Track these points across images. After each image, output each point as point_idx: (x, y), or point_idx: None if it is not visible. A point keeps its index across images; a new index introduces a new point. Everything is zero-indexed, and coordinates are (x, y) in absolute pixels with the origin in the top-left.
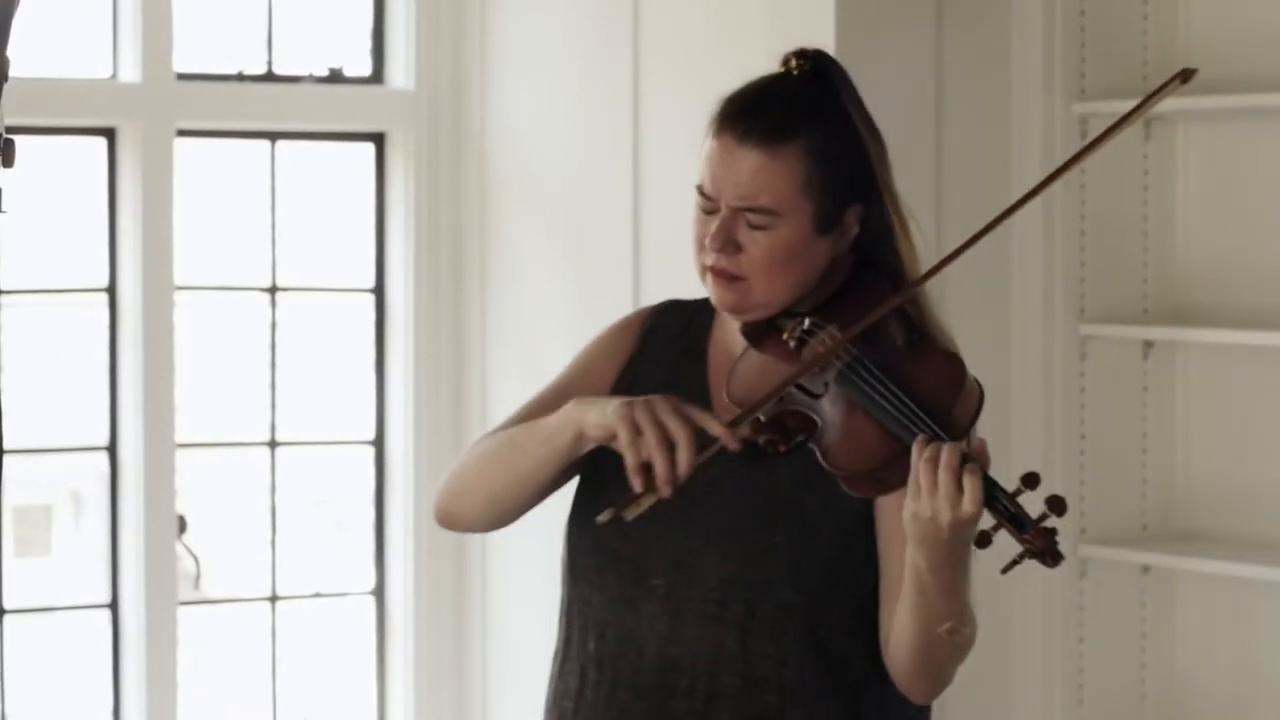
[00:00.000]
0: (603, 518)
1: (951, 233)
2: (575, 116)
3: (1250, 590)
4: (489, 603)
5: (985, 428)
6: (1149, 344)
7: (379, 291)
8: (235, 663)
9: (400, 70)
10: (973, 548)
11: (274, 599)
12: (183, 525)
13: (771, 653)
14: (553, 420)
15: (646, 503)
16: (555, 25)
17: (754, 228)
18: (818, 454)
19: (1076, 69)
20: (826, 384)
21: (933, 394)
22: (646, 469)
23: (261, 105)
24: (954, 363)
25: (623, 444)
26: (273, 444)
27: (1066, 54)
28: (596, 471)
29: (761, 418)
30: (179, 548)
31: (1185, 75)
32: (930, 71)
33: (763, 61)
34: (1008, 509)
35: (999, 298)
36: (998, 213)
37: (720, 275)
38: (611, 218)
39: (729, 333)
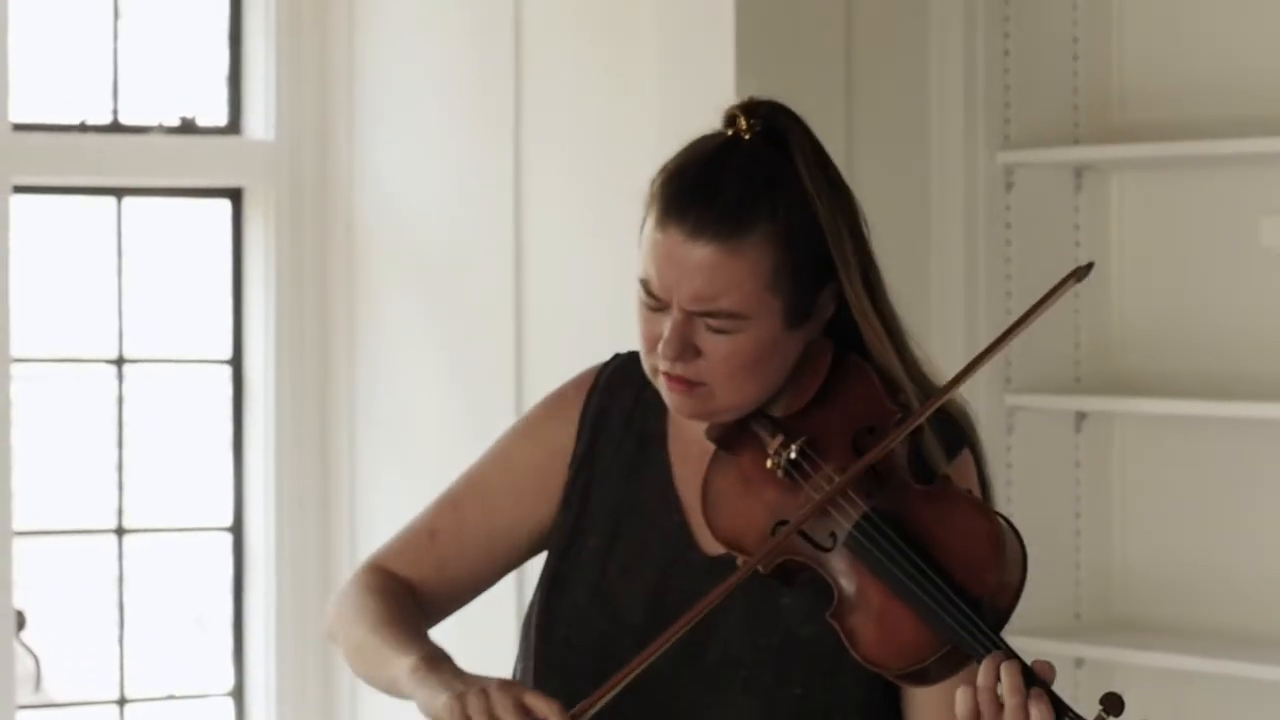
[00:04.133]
0: None
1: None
2: (452, 169)
3: (1193, 684)
4: (358, 708)
5: None
6: (1082, 415)
7: (236, 363)
8: None
9: (259, 119)
10: None
11: (122, 701)
12: (21, 621)
13: None
14: (394, 668)
15: None
16: (430, 69)
17: (715, 331)
18: (840, 635)
19: (1001, 115)
20: (834, 536)
21: (968, 565)
22: None
23: (107, 158)
24: (986, 516)
25: None
26: (120, 531)
27: (990, 99)
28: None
29: (761, 569)
30: (17, 646)
31: (1079, 274)
32: (840, 119)
33: (655, 113)
34: None
35: None
36: (915, 270)
37: (677, 381)
38: (491, 281)
39: None
